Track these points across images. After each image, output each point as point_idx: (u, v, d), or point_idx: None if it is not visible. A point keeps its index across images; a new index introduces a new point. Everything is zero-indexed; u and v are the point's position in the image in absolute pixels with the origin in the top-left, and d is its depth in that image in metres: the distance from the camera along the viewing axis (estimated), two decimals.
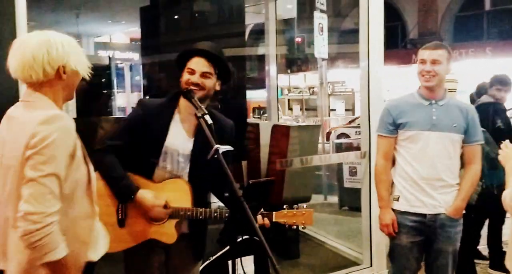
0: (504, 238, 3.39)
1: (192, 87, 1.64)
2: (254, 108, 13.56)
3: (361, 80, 3.05)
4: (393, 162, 2.16)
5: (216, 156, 1.43)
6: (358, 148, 4.77)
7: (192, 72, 1.66)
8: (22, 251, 1.21)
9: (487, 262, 3.42)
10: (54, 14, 6.55)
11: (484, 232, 3.46)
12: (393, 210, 2.12)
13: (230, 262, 1.74)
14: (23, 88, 1.76)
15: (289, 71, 15.65)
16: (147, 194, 1.63)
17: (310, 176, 3.91)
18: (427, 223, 2.06)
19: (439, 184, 2.05)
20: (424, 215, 2.06)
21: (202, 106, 1.58)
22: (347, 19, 13.09)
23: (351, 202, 4.94)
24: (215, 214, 1.63)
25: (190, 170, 1.71)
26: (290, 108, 17.43)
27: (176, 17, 4.49)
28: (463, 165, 2.12)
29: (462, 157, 2.11)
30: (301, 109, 15.04)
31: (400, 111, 2.11)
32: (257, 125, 4.12)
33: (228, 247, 2.26)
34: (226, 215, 1.62)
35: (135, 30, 8.13)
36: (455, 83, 2.82)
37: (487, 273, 3.32)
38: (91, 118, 3.88)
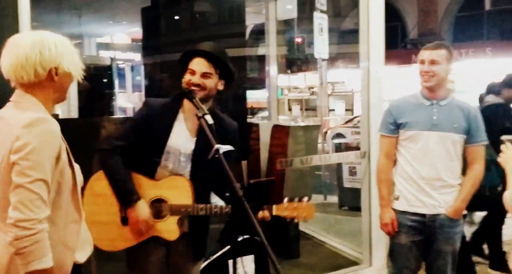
0: (504, 238, 3.41)
1: (193, 87, 1.66)
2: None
3: (361, 81, 3.06)
4: (395, 162, 2.17)
5: (217, 156, 1.44)
6: (355, 148, 4.79)
7: (193, 72, 1.68)
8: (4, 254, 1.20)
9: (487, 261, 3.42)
10: (57, 15, 6.56)
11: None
12: (393, 209, 2.13)
13: (230, 262, 1.75)
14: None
15: (289, 71, 15.64)
16: (144, 209, 1.65)
17: (310, 176, 3.92)
18: (427, 223, 2.07)
19: (439, 184, 2.05)
20: (423, 215, 2.07)
21: (203, 106, 1.60)
22: (347, 20, 13.10)
23: (350, 201, 4.95)
24: (215, 210, 1.64)
25: (191, 169, 1.72)
26: (289, 109, 17.43)
27: (177, 17, 4.50)
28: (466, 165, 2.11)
29: (464, 157, 2.10)
30: (300, 109, 15.03)
31: (401, 111, 2.12)
32: (257, 125, 4.14)
33: (228, 247, 2.27)
34: (226, 210, 1.63)
35: (137, 31, 8.15)
36: (452, 83, 2.83)
37: (487, 273, 3.33)
38: (93, 119, 3.89)
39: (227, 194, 1.69)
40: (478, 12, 13.69)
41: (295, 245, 3.49)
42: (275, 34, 4.28)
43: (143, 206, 1.66)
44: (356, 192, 4.18)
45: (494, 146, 1.84)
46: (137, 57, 11.30)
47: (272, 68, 4.39)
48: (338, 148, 5.41)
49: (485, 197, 2.43)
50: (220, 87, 1.73)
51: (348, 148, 5.30)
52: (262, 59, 4.79)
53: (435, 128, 2.05)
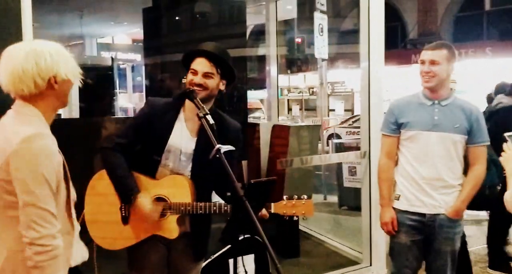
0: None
1: (195, 87, 1.67)
2: None
3: (361, 81, 3.06)
4: (397, 161, 2.17)
5: (217, 156, 1.45)
6: (352, 148, 4.80)
7: (195, 72, 1.69)
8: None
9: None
10: (58, 15, 6.58)
11: (485, 230, 3.47)
12: (394, 208, 2.14)
13: (231, 261, 1.76)
14: None
15: (289, 71, 15.65)
16: (146, 202, 1.65)
17: (310, 176, 3.93)
18: (427, 222, 2.07)
19: (439, 184, 2.05)
20: (423, 215, 2.07)
21: (204, 106, 1.60)
22: (347, 20, 13.11)
23: (350, 201, 4.96)
24: (215, 208, 1.65)
25: (192, 169, 1.73)
26: (290, 109, 17.44)
27: (177, 18, 4.52)
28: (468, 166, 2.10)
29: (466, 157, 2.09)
30: (300, 109, 15.05)
31: (403, 110, 2.12)
32: (257, 125, 4.15)
33: (229, 246, 2.28)
34: (225, 209, 1.64)
35: (137, 31, 8.16)
36: (453, 83, 2.82)
37: (486, 273, 3.33)
38: (94, 119, 3.91)
39: (228, 194, 1.70)
40: (478, 12, 13.70)
41: (295, 244, 3.50)
42: (275, 35, 4.29)
43: (145, 200, 1.66)
44: (356, 192, 4.20)
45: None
46: (138, 57, 11.32)
47: (272, 69, 4.40)
48: (339, 148, 5.42)
49: (485, 196, 2.43)
50: (222, 87, 1.74)
51: (344, 147, 5.32)
52: (262, 59, 4.80)
53: (436, 128, 2.04)
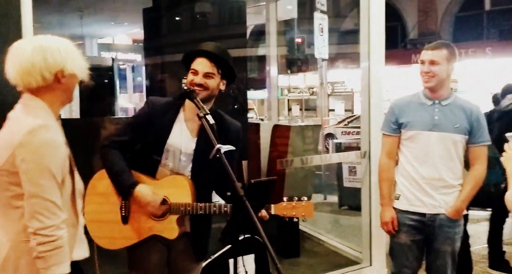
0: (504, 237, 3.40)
1: (195, 87, 1.67)
2: None
3: (361, 81, 3.06)
4: (397, 161, 2.17)
5: (218, 156, 1.45)
6: (352, 148, 4.80)
7: (196, 72, 1.69)
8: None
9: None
10: (59, 16, 6.59)
11: (485, 230, 3.47)
12: (394, 208, 2.14)
13: (231, 261, 1.76)
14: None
15: (289, 71, 15.66)
16: (145, 190, 1.65)
17: (311, 175, 3.93)
18: (426, 222, 2.07)
19: (439, 184, 2.05)
20: (423, 215, 2.07)
21: (204, 106, 1.61)
22: (347, 20, 13.11)
23: (350, 201, 4.96)
24: (214, 209, 1.65)
25: (192, 169, 1.73)
26: (289, 109, 17.43)
27: (178, 18, 4.52)
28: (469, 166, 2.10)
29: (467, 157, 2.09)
30: (300, 109, 15.04)
31: (403, 110, 2.12)
32: (258, 125, 4.15)
33: (229, 246, 2.28)
34: (225, 209, 1.64)
35: (138, 32, 8.17)
36: (454, 83, 2.83)
37: (486, 272, 3.33)
38: (94, 119, 3.91)
39: (228, 193, 1.70)
40: (478, 12, 13.70)
41: (295, 244, 3.50)
42: (275, 35, 4.30)
43: (144, 189, 1.65)
44: (356, 192, 4.20)
45: None
46: (138, 58, 11.32)
47: (272, 69, 4.40)
48: (339, 148, 5.43)
49: (490, 194, 2.45)
50: (222, 87, 1.75)
51: (344, 147, 5.33)
52: (262, 59, 4.80)
53: (436, 128, 2.04)
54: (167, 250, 1.79)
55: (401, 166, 2.15)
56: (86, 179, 1.74)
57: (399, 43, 14.64)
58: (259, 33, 5.01)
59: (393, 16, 13.64)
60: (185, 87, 1.69)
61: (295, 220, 1.65)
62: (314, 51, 4.42)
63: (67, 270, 1.25)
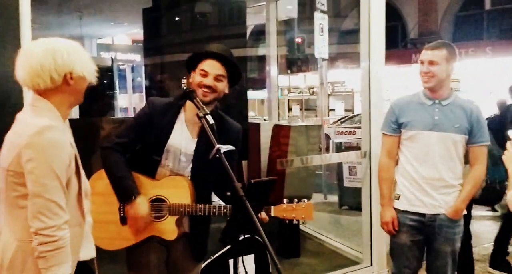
0: None
1: (204, 89, 1.66)
2: None
3: (361, 80, 3.06)
4: (397, 161, 2.17)
5: (217, 156, 1.45)
6: (352, 148, 4.81)
7: (205, 74, 1.67)
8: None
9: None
10: (58, 16, 6.59)
11: (485, 230, 3.46)
12: (394, 208, 2.14)
13: (231, 261, 1.76)
14: (26, 91, 1.79)
15: (289, 71, 15.65)
16: (143, 205, 1.65)
17: (311, 175, 3.93)
18: (426, 222, 2.07)
19: (439, 184, 2.05)
20: (423, 215, 2.07)
21: (204, 106, 1.60)
22: (347, 20, 13.12)
23: (351, 201, 4.96)
24: (214, 210, 1.64)
25: (192, 169, 1.73)
26: (290, 109, 17.43)
27: (177, 18, 4.52)
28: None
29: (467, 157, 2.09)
30: (300, 109, 15.04)
31: (403, 110, 2.12)
32: (258, 125, 4.15)
33: (229, 246, 2.28)
34: (224, 211, 1.63)
35: (137, 32, 8.17)
36: (457, 82, 2.82)
37: (487, 272, 3.32)
38: (93, 119, 3.91)
39: (228, 194, 1.70)
40: (478, 12, 13.70)
41: (295, 244, 3.50)
42: (275, 35, 4.29)
43: (142, 202, 1.66)
44: (356, 192, 4.20)
45: None
46: (138, 58, 11.32)
47: (272, 69, 4.40)
48: (339, 148, 5.43)
49: (496, 191, 2.46)
50: (227, 90, 1.74)
51: (339, 147, 5.34)
52: (262, 59, 4.80)
53: (436, 128, 2.04)
54: (166, 250, 1.79)
55: (401, 166, 2.14)
56: None
57: (399, 43, 14.65)
58: (259, 33, 5.01)
59: (393, 16, 13.65)
60: (185, 87, 1.68)
61: (295, 222, 1.64)
62: (314, 51, 4.42)
63: (67, 271, 1.26)
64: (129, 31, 10.24)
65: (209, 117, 1.55)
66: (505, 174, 2.26)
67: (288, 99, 18.12)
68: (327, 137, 8.74)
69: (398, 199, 2.14)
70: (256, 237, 1.37)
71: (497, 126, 2.88)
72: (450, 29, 13.98)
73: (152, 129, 1.71)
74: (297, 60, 14.40)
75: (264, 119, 6.38)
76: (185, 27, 4.53)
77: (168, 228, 1.69)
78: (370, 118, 3.00)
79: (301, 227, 3.77)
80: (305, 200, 1.66)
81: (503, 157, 1.55)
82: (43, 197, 1.22)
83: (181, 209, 1.67)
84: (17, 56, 1.30)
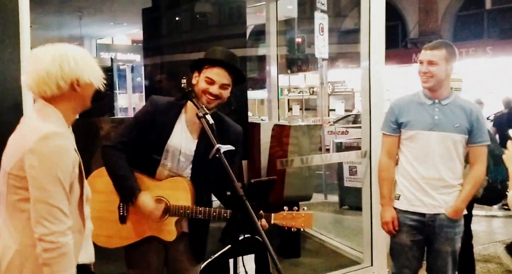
0: (504, 238, 3.39)
1: (209, 96, 1.65)
2: None
3: (362, 80, 3.06)
4: (397, 161, 2.16)
5: (217, 156, 1.45)
6: (353, 147, 4.80)
7: (212, 82, 1.66)
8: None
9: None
10: (57, 16, 6.58)
11: (484, 230, 3.45)
12: (394, 208, 2.13)
13: (231, 261, 1.76)
14: (25, 92, 1.80)
15: (289, 71, 15.65)
16: (148, 200, 1.65)
17: (311, 175, 3.92)
18: (427, 222, 2.07)
19: (439, 184, 2.05)
20: (423, 215, 2.07)
21: (204, 106, 1.60)
22: (347, 19, 13.12)
23: (351, 201, 4.96)
24: (214, 214, 1.64)
25: (192, 170, 1.73)
26: (290, 108, 17.44)
27: (177, 18, 4.51)
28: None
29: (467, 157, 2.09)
30: (300, 109, 15.05)
31: (403, 110, 2.11)
32: (258, 125, 4.15)
33: (229, 246, 2.28)
34: (225, 215, 1.63)
35: (137, 32, 8.17)
36: (459, 82, 2.80)
37: (487, 272, 3.32)
38: (93, 119, 3.90)
39: (228, 193, 1.69)
40: (479, 11, 13.69)
41: (296, 244, 3.50)
42: (275, 35, 4.29)
43: (146, 198, 1.65)
44: (356, 191, 4.19)
45: None
46: (138, 58, 11.32)
47: (272, 68, 4.40)
48: (340, 148, 5.43)
49: (498, 191, 2.46)
50: (229, 94, 1.74)
51: (340, 147, 5.34)
52: (262, 59, 4.80)
53: (436, 128, 2.04)
54: (165, 249, 1.78)
55: (401, 166, 2.14)
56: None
57: (400, 43, 14.65)
58: (259, 33, 5.01)
59: (393, 16, 13.64)
60: (184, 87, 1.68)
61: (294, 230, 1.64)
62: (315, 50, 4.42)
63: None
64: (128, 31, 10.23)
65: (208, 117, 1.55)
66: (506, 174, 2.26)
67: (288, 99, 18.13)
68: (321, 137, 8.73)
69: (398, 199, 2.14)
70: (256, 237, 1.37)
71: (505, 123, 2.87)
72: (451, 28, 13.97)
73: (153, 128, 1.71)
74: (297, 60, 14.41)
75: (262, 120, 6.38)
76: (185, 27, 4.53)
77: (167, 229, 1.69)
78: (371, 118, 3.00)
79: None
80: (305, 208, 1.66)
81: (504, 156, 1.55)
82: (46, 202, 1.21)
83: (181, 211, 1.67)
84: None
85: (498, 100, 6.45)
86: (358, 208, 3.36)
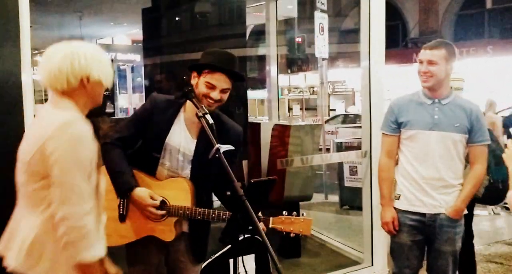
0: (504, 237, 3.39)
1: (209, 100, 1.65)
2: None
3: (362, 80, 3.06)
4: (397, 161, 2.16)
5: (217, 156, 1.44)
6: (353, 147, 4.79)
7: (213, 87, 1.66)
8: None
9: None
10: (58, 16, 6.59)
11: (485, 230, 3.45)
12: (394, 208, 2.13)
13: (231, 261, 1.76)
14: (26, 92, 1.80)
15: (289, 71, 15.65)
16: (143, 193, 1.64)
17: (312, 175, 3.92)
18: (427, 222, 2.06)
19: (439, 184, 2.04)
20: (424, 215, 2.06)
21: (203, 106, 1.60)
22: (347, 19, 13.11)
23: (351, 201, 4.95)
24: (213, 215, 1.64)
25: (192, 170, 1.73)
26: (290, 108, 17.44)
27: (177, 18, 4.51)
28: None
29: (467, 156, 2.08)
30: (301, 109, 15.05)
31: (403, 109, 2.11)
32: (258, 125, 4.15)
33: (229, 246, 2.27)
34: (224, 217, 1.63)
35: (137, 32, 8.17)
36: (461, 81, 2.79)
37: (488, 272, 3.31)
38: (93, 119, 3.91)
39: (228, 193, 1.69)
40: (479, 11, 13.69)
41: (296, 244, 3.49)
42: (275, 34, 4.29)
43: (141, 192, 1.65)
44: (357, 191, 4.19)
45: None
46: (138, 58, 11.33)
47: (272, 68, 4.40)
48: (340, 148, 5.42)
49: (499, 190, 2.46)
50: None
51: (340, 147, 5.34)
52: (262, 59, 4.80)
53: (436, 128, 2.03)
54: (165, 249, 1.78)
55: (401, 166, 2.14)
56: None
57: (400, 42, 14.64)
58: (259, 33, 5.00)
59: (394, 15, 13.64)
60: (186, 80, 1.68)
61: (292, 235, 1.63)
62: (315, 50, 4.42)
63: (98, 252, 1.29)
64: (129, 32, 10.24)
65: (208, 117, 1.55)
66: (507, 173, 2.26)
67: (288, 99, 18.13)
68: None
69: (398, 199, 2.13)
70: (256, 236, 1.37)
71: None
72: (451, 28, 13.96)
73: (152, 125, 1.71)
74: (297, 60, 14.40)
75: (255, 117, 6.38)
76: (185, 27, 4.53)
77: (167, 229, 1.68)
78: (371, 118, 3.00)
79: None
80: (304, 213, 1.66)
81: (504, 155, 1.54)
82: (69, 183, 1.25)
83: (181, 211, 1.66)
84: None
85: (498, 100, 6.44)
86: (359, 208, 3.36)
